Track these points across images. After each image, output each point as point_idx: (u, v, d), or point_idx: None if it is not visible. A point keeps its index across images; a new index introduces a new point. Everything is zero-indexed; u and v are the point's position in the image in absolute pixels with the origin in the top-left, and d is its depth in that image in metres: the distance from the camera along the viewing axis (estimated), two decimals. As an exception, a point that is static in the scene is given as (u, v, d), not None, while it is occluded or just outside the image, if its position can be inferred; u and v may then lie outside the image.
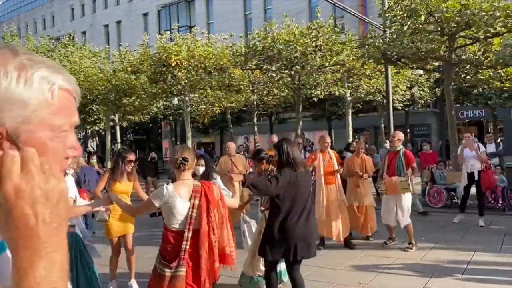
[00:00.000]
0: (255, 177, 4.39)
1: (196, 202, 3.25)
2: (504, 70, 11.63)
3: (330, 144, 6.89)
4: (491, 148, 11.05)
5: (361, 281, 5.25)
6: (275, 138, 8.70)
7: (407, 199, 6.65)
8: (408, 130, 28.20)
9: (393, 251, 6.54)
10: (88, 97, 18.86)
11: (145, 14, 41.00)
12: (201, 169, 5.05)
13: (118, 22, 42.59)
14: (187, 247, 3.20)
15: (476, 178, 8.32)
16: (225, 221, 3.43)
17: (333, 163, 6.74)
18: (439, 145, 21.63)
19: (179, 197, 3.23)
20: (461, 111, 28.08)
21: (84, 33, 44.07)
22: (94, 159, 12.84)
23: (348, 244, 6.87)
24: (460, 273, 5.35)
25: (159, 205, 3.26)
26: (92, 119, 22.35)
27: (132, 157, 5.13)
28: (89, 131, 26.04)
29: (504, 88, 13.96)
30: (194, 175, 4.77)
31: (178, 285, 3.15)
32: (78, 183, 9.82)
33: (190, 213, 3.21)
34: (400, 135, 7.04)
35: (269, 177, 4.00)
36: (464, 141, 8.62)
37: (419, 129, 30.73)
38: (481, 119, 30.88)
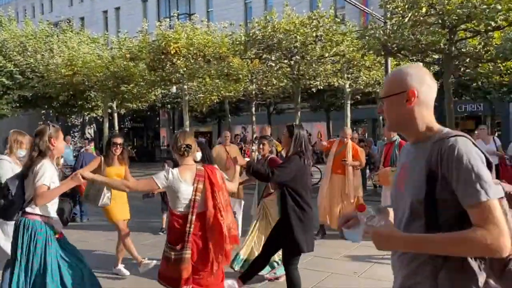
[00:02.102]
0: (258, 164, 4.39)
1: (200, 186, 3.28)
2: (504, 64, 11.62)
3: (350, 136, 7.11)
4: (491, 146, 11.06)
5: (357, 271, 5.29)
6: (268, 129, 8.75)
7: None
8: (406, 123, 28.13)
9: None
10: (86, 83, 18.77)
11: (145, 1, 40.67)
12: (199, 155, 5.04)
13: (117, 9, 42.25)
14: (191, 230, 3.23)
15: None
16: (229, 205, 3.49)
17: (346, 154, 6.82)
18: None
19: (184, 181, 3.27)
20: (459, 105, 28.06)
21: (82, 19, 43.70)
22: (92, 146, 12.82)
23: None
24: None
25: (162, 187, 3.27)
26: (90, 106, 22.26)
27: (119, 140, 5.18)
28: (87, 118, 25.97)
29: (504, 82, 13.98)
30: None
31: (183, 267, 3.19)
32: (74, 169, 9.84)
33: (193, 197, 3.25)
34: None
35: (276, 166, 3.98)
36: (476, 133, 8.44)
37: (417, 122, 30.70)
38: (479, 113, 30.88)
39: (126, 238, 5.25)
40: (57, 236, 3.42)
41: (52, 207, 3.43)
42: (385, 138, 7.13)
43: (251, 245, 5.05)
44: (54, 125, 3.63)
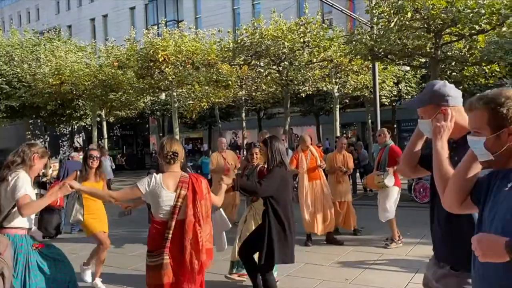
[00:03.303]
0: (245, 180, 4.42)
1: (183, 192, 3.25)
2: (488, 67, 11.81)
3: (310, 142, 7.07)
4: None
5: (348, 277, 5.31)
6: (266, 134, 8.76)
7: (388, 195, 6.68)
8: (395, 126, 28.47)
9: (379, 247, 6.61)
10: (74, 92, 18.65)
11: (132, 8, 40.60)
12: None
13: (105, 16, 42.12)
14: (170, 235, 3.21)
15: None
16: (209, 216, 3.46)
17: (315, 159, 6.85)
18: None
19: (166, 187, 3.24)
20: (446, 106, 28.34)
21: (69, 27, 43.48)
22: (81, 155, 12.71)
23: (334, 241, 6.94)
24: (444, 268, 5.44)
25: (145, 193, 3.25)
26: (78, 115, 22.11)
27: (95, 152, 5.10)
28: (75, 127, 25.77)
29: (489, 85, 14.19)
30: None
31: (164, 273, 3.17)
32: (58, 177, 9.73)
33: (175, 203, 3.23)
34: (382, 130, 7.11)
35: (260, 179, 4.05)
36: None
37: (406, 124, 30.97)
38: (466, 114, 31.26)
39: (103, 252, 5.14)
40: (38, 246, 3.34)
41: (31, 217, 3.36)
42: (379, 143, 7.19)
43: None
44: (46, 149, 3.62)
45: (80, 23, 43.21)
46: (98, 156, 5.09)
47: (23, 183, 3.17)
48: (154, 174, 3.32)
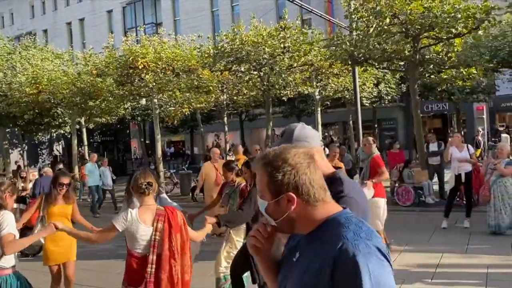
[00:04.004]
0: (227, 213, 4.42)
1: (160, 225, 3.28)
2: (466, 70, 12.04)
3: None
4: (434, 147, 11.36)
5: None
6: (257, 147, 8.80)
7: (372, 206, 6.65)
8: (376, 125, 28.81)
9: (365, 256, 6.64)
10: (52, 101, 18.29)
11: (109, 11, 40.04)
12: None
13: (81, 20, 41.44)
14: (153, 270, 3.23)
15: (463, 180, 8.14)
16: (186, 247, 3.47)
17: None
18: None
19: (143, 222, 3.24)
20: (426, 105, 28.86)
21: (45, 31, 42.67)
22: (60, 167, 12.50)
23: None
24: (429, 278, 5.52)
25: (122, 230, 3.24)
26: (57, 123, 21.69)
27: (65, 180, 4.85)
28: (54, 135, 25.28)
29: (466, 86, 14.48)
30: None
31: None
32: (34, 195, 9.56)
33: (153, 237, 3.25)
34: (367, 140, 7.10)
35: (241, 202, 4.08)
36: (450, 140, 8.48)
37: (386, 123, 31.41)
38: (445, 112, 31.87)
39: (57, 286, 4.96)
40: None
41: (15, 254, 3.39)
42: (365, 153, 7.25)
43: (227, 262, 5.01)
44: (13, 180, 3.71)
45: (56, 27, 42.42)
46: (68, 183, 4.88)
47: (7, 221, 3.22)
48: (130, 209, 3.30)
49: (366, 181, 6.58)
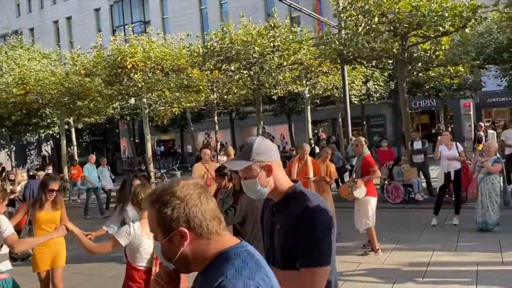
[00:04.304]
0: None
1: None
2: (453, 68, 12.18)
3: (308, 151, 7.08)
4: (418, 145, 11.49)
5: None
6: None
7: (364, 204, 6.69)
8: (365, 122, 28.99)
9: (356, 256, 6.71)
10: (40, 102, 18.10)
11: (97, 10, 39.67)
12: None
13: (69, 18, 41.00)
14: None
15: (452, 177, 8.24)
16: None
17: (307, 170, 6.86)
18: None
19: (146, 235, 3.21)
20: (413, 101, 29.12)
21: (32, 30, 42.13)
22: (49, 170, 12.36)
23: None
24: (421, 277, 5.60)
25: (125, 244, 3.22)
26: (45, 123, 21.47)
27: (55, 186, 4.73)
28: (43, 135, 25.01)
29: (454, 83, 14.64)
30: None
31: None
32: (24, 198, 9.47)
33: None
34: (358, 140, 7.15)
35: (229, 207, 4.08)
36: (439, 138, 8.54)
37: (375, 120, 31.65)
38: (433, 108, 32.21)
39: None
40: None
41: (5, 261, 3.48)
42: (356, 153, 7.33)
43: None
44: (5, 186, 3.79)
45: (43, 26, 41.91)
46: (57, 188, 4.77)
47: (6, 224, 3.35)
48: (132, 223, 3.29)
49: (357, 180, 6.65)
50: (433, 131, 31.45)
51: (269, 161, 1.88)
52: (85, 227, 5.03)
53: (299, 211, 1.80)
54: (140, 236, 3.21)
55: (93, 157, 13.16)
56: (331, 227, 1.81)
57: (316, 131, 32.74)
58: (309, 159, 7.10)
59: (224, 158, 15.55)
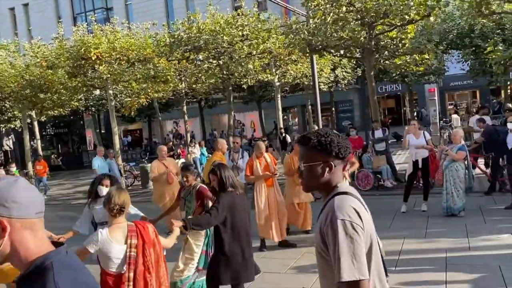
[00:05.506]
0: (195, 217, 4.40)
1: (134, 241, 3.28)
2: (419, 56, 12.45)
3: (265, 149, 7.10)
4: (379, 134, 11.77)
5: (305, 285, 5.46)
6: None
7: None
8: (333, 108, 29.36)
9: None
10: (0, 95, 17.35)
11: (56, -4, 38.08)
12: (105, 190, 4.75)
13: (25, 5, 39.22)
14: (130, 287, 3.24)
15: (420, 165, 8.46)
16: (160, 260, 3.49)
17: (269, 166, 6.90)
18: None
19: (115, 241, 3.23)
20: (380, 86, 29.72)
21: (-14, 18, 40.10)
22: (13, 168, 11.86)
23: (286, 244, 7.09)
24: (393, 266, 5.75)
25: (94, 251, 3.23)
26: (6, 117, 20.63)
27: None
28: (3, 129, 24.04)
29: (419, 71, 14.98)
30: (98, 195, 4.69)
31: None
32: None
33: (129, 253, 3.24)
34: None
35: (209, 208, 4.14)
36: (407, 128, 8.72)
37: (343, 105, 32.13)
38: (398, 93, 33.00)
39: None
40: None
41: None
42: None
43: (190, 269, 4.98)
44: None
45: (-2, 13, 39.97)
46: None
47: None
48: (100, 229, 3.28)
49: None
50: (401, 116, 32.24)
51: (8, 216, 1.23)
52: (68, 226, 4.93)
53: None
54: (109, 242, 3.20)
55: (102, 150, 12.66)
56: None
57: (286, 117, 32.92)
58: (267, 155, 7.13)
59: (196, 150, 15.43)
